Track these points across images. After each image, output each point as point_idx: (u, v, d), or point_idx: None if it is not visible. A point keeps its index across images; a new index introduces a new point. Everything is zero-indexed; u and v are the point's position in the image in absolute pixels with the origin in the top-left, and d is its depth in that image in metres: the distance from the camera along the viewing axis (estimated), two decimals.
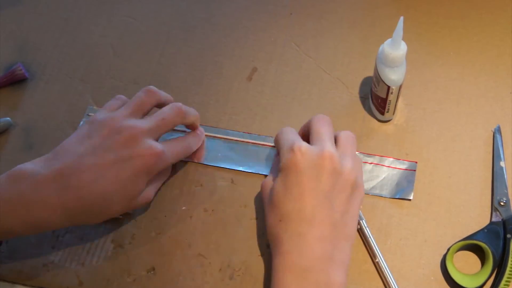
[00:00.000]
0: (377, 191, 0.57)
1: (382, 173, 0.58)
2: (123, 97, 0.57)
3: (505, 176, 0.57)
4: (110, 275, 0.54)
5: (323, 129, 0.52)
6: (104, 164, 0.49)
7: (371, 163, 0.59)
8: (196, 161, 0.59)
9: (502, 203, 0.55)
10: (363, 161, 0.59)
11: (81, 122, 0.63)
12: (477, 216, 0.56)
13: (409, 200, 0.57)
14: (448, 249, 0.53)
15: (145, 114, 0.54)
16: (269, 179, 0.52)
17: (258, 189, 0.58)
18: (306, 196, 0.48)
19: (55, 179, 0.48)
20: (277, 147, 0.54)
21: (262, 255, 0.54)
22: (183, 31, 0.70)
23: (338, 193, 0.49)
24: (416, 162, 0.58)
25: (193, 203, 0.58)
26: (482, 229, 0.54)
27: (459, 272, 0.52)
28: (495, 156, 0.58)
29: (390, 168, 0.58)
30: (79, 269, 0.54)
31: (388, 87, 0.56)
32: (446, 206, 0.57)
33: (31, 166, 0.49)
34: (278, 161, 0.52)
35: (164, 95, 0.56)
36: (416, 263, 0.54)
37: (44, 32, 0.70)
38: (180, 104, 0.55)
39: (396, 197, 0.57)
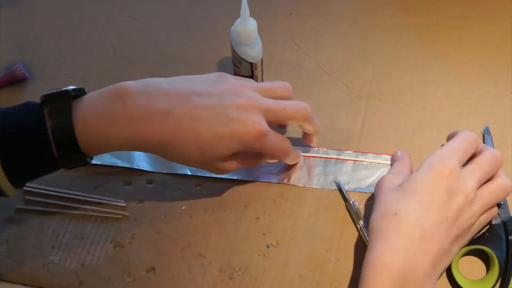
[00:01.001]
0: (373, 188, 0.57)
1: (377, 170, 0.58)
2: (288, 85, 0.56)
3: None
4: (110, 275, 0.54)
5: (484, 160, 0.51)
6: (212, 110, 0.49)
7: (366, 160, 0.59)
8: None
9: (500, 205, 0.55)
10: (358, 159, 0.59)
11: None
12: None
13: None
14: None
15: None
16: (392, 177, 0.52)
17: (258, 189, 0.58)
18: (433, 209, 0.47)
19: (167, 93, 0.49)
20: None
21: (262, 255, 0.54)
22: (183, 31, 0.70)
23: (458, 227, 0.48)
24: (410, 157, 0.58)
25: (193, 203, 0.58)
26: (484, 233, 0.53)
27: (465, 279, 0.51)
28: None
29: (385, 165, 0.59)
30: (79, 269, 0.54)
31: (251, 64, 0.59)
32: None
33: (135, 83, 0.50)
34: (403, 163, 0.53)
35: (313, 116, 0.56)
36: None
37: (44, 32, 0.70)
38: (306, 104, 0.55)
39: None
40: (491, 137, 0.59)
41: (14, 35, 0.70)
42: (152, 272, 0.54)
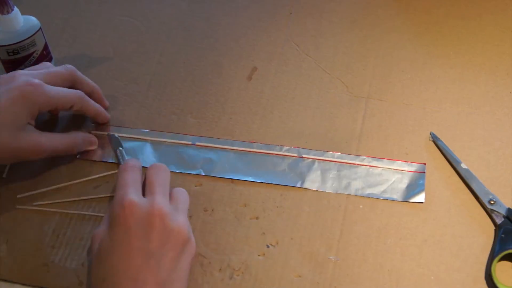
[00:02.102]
0: (387, 195, 0.57)
1: (391, 176, 0.58)
2: (48, 64, 0.60)
3: (475, 176, 0.56)
4: None
5: (156, 179, 0.51)
6: None
7: (381, 166, 0.59)
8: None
9: (492, 202, 0.55)
10: (371, 164, 0.59)
11: None
12: (477, 215, 0.56)
13: (421, 203, 0.56)
14: (490, 266, 0.51)
15: (56, 85, 0.56)
16: (102, 229, 0.48)
17: (259, 189, 0.58)
18: (133, 256, 0.45)
19: None
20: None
21: (262, 255, 0.54)
22: (183, 31, 0.70)
23: (167, 252, 0.46)
24: (425, 164, 0.58)
25: (193, 203, 0.58)
26: (499, 236, 0.52)
27: (506, 286, 0.50)
28: (453, 162, 0.58)
29: (399, 171, 0.58)
30: (79, 269, 0.54)
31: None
32: (446, 206, 0.57)
33: None
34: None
35: (82, 76, 0.59)
36: (416, 263, 0.54)
37: (44, 32, 0.70)
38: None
39: (409, 200, 0.56)
40: (441, 140, 0.59)
41: None
42: None
